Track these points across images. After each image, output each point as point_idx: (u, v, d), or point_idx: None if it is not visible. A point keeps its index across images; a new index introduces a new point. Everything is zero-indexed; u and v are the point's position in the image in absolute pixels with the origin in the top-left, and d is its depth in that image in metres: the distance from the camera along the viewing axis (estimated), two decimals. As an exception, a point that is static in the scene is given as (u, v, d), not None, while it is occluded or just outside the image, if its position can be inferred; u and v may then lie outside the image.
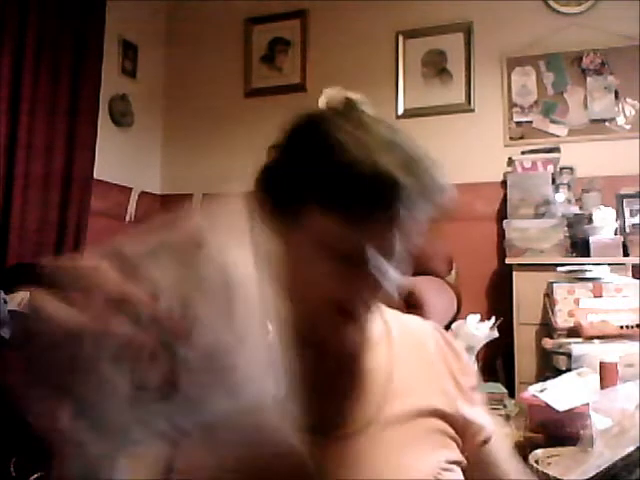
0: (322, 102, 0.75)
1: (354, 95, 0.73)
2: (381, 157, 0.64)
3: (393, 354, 0.79)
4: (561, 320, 2.24)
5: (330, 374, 0.74)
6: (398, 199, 0.64)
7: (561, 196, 3.05)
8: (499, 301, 3.06)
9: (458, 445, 0.75)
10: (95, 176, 3.32)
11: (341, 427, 0.71)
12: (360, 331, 0.72)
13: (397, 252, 0.68)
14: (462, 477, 0.73)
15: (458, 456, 0.74)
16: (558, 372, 1.83)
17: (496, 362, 2.96)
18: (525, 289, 2.83)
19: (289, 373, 0.71)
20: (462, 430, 0.76)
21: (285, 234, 0.68)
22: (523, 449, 1.33)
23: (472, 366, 0.85)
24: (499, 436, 0.83)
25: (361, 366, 0.76)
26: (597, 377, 1.51)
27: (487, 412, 0.82)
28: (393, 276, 0.69)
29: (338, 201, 0.65)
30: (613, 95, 3.20)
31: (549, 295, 2.37)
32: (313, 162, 0.67)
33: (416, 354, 0.80)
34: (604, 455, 1.10)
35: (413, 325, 0.85)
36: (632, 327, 1.97)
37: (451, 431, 0.75)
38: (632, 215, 2.97)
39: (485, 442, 0.79)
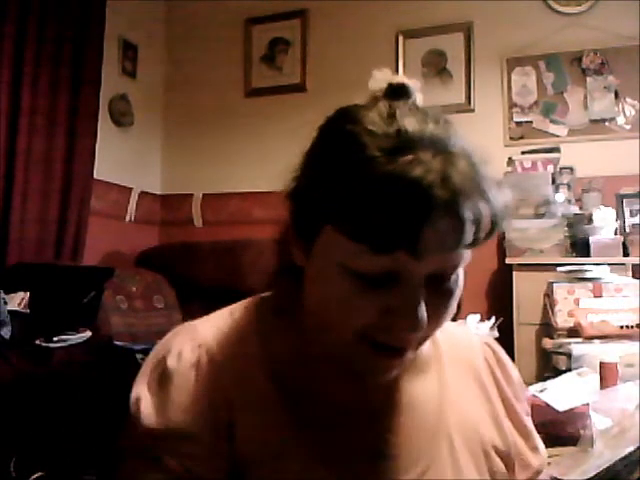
0: (371, 85, 0.63)
1: (398, 80, 0.62)
2: (410, 168, 0.52)
3: (444, 381, 0.69)
4: (561, 320, 2.24)
5: (371, 410, 0.65)
6: (429, 217, 0.51)
7: (561, 196, 3.05)
8: (499, 301, 3.06)
9: None
10: (95, 176, 3.31)
11: (385, 470, 0.63)
12: (402, 366, 0.63)
13: (438, 278, 0.57)
14: None
15: None
16: (558, 372, 1.83)
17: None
18: (525, 289, 2.83)
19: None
20: (512, 465, 0.69)
21: (310, 254, 0.61)
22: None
23: (524, 387, 0.77)
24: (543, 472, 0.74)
25: (408, 398, 0.67)
26: (597, 377, 1.51)
27: (538, 441, 0.74)
28: (439, 308, 0.58)
29: (359, 222, 0.53)
30: (613, 95, 3.20)
31: (549, 295, 2.37)
32: (331, 177, 0.56)
33: (467, 378, 0.71)
34: (604, 455, 1.10)
35: (461, 340, 0.75)
36: (632, 327, 1.97)
37: (502, 468, 0.67)
38: (632, 215, 2.96)
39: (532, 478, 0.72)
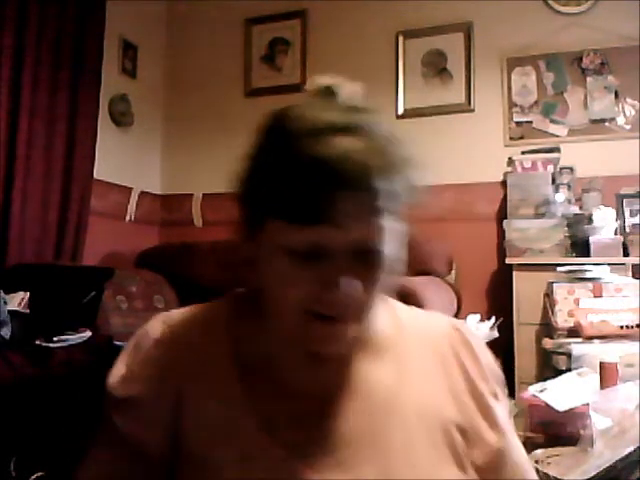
0: (307, 87, 0.71)
1: (327, 81, 0.69)
2: (321, 148, 0.60)
3: (404, 363, 0.73)
4: (561, 320, 2.24)
5: (324, 392, 0.69)
6: (337, 189, 0.59)
7: (561, 196, 3.05)
8: (499, 301, 3.06)
9: (467, 460, 0.69)
10: (95, 176, 3.31)
11: (338, 450, 0.66)
12: (344, 333, 0.66)
13: (365, 251, 0.63)
14: None
15: (467, 475, 0.68)
16: (558, 372, 1.83)
17: (496, 362, 2.96)
18: (525, 289, 2.83)
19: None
20: (472, 444, 0.70)
21: (257, 245, 0.67)
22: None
23: (496, 370, 0.78)
24: (512, 454, 0.73)
25: (363, 381, 0.71)
26: (597, 377, 1.51)
27: (502, 422, 0.73)
28: (370, 279, 0.63)
29: (282, 200, 0.62)
30: (613, 95, 3.20)
31: (549, 295, 2.37)
32: (262, 166, 0.66)
33: (431, 359, 0.74)
34: (604, 455, 1.10)
35: (429, 325, 0.78)
36: (632, 327, 1.97)
37: (463, 445, 0.69)
38: (632, 215, 2.96)
39: (493, 461, 0.71)
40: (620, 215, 2.96)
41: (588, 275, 2.32)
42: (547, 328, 2.43)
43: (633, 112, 3.17)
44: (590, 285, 2.26)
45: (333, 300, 0.62)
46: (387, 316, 0.76)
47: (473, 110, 3.43)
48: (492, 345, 2.65)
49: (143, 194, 3.84)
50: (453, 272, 3.19)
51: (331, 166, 0.59)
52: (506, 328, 2.73)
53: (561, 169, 3.15)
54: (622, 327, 1.98)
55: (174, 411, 0.68)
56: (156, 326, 0.73)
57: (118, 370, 0.71)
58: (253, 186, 0.66)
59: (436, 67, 3.52)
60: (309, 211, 0.60)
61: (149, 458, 0.67)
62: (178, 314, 0.75)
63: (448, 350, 0.75)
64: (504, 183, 3.22)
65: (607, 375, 1.48)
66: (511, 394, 2.41)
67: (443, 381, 0.73)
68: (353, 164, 0.59)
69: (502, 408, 0.75)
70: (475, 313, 2.67)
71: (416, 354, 0.74)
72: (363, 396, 0.70)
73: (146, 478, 0.67)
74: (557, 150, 3.20)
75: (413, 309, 0.80)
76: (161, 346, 0.71)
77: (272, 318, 0.69)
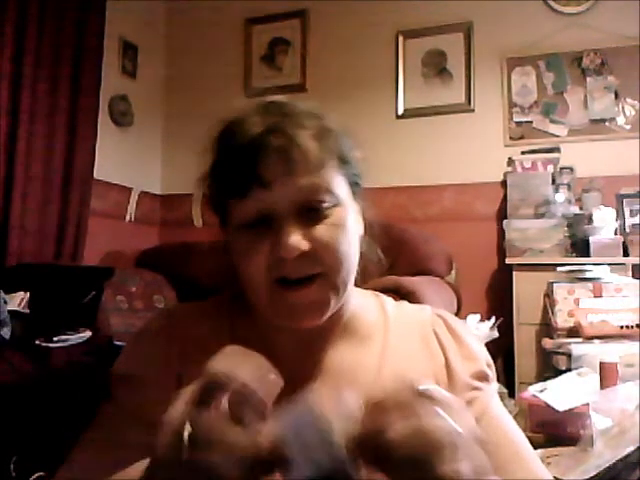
0: None
1: (273, 98, 0.77)
2: (248, 126, 0.68)
3: (387, 343, 0.76)
4: (561, 320, 2.24)
5: (308, 374, 0.72)
6: (260, 155, 0.66)
7: (561, 196, 3.05)
8: (499, 301, 3.06)
9: None
10: (95, 176, 3.31)
11: None
12: (317, 300, 0.68)
13: (310, 210, 0.67)
14: None
15: None
16: (558, 372, 1.83)
17: (496, 362, 2.96)
18: (525, 289, 2.83)
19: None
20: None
21: (226, 231, 0.74)
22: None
23: (482, 351, 0.80)
24: (491, 419, 0.74)
25: (345, 363, 0.74)
26: (597, 377, 1.51)
27: (487, 404, 0.75)
28: (323, 235, 0.67)
29: (230, 183, 0.68)
30: (613, 95, 3.20)
31: (549, 295, 2.37)
32: (215, 169, 0.74)
33: (413, 340, 0.77)
34: (604, 455, 1.10)
35: (414, 314, 0.81)
36: (632, 327, 1.97)
37: None
38: (632, 215, 2.96)
39: None
40: (620, 215, 2.96)
41: (588, 275, 2.32)
42: (547, 328, 2.43)
43: (633, 112, 3.17)
44: (590, 285, 2.26)
45: (284, 258, 0.65)
46: (374, 307, 0.81)
47: (473, 110, 3.43)
48: (492, 345, 2.65)
49: (143, 194, 3.84)
50: (453, 272, 3.19)
51: (258, 137, 0.66)
52: (506, 328, 2.73)
53: (561, 169, 3.15)
54: (622, 327, 1.98)
55: (174, 389, 0.70)
56: (160, 316, 0.80)
57: (124, 353, 0.78)
58: (212, 183, 0.74)
59: (436, 67, 3.52)
60: (245, 180, 0.67)
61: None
62: (181, 306, 0.83)
63: (430, 332, 0.78)
64: (504, 183, 3.22)
65: (607, 375, 1.48)
66: (511, 394, 2.42)
67: (428, 361, 0.76)
68: (277, 133, 0.66)
69: (490, 388, 0.77)
70: (475, 313, 2.67)
71: (401, 338, 0.77)
72: (346, 380, 0.72)
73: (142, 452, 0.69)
74: (557, 150, 3.20)
75: (401, 303, 0.83)
76: (164, 331, 0.77)
77: (252, 300, 0.72)
